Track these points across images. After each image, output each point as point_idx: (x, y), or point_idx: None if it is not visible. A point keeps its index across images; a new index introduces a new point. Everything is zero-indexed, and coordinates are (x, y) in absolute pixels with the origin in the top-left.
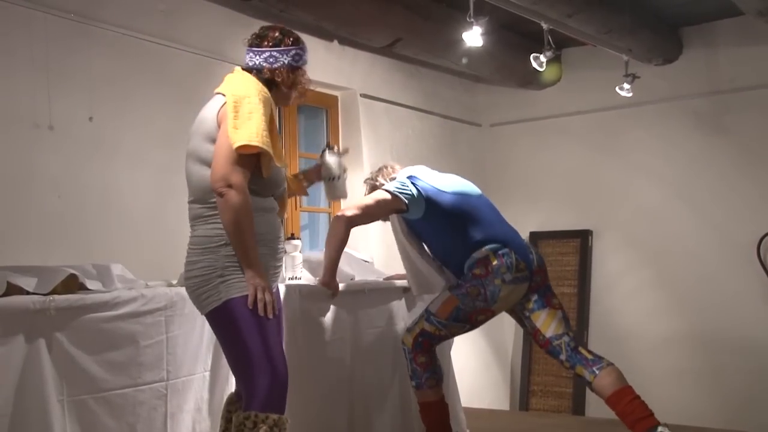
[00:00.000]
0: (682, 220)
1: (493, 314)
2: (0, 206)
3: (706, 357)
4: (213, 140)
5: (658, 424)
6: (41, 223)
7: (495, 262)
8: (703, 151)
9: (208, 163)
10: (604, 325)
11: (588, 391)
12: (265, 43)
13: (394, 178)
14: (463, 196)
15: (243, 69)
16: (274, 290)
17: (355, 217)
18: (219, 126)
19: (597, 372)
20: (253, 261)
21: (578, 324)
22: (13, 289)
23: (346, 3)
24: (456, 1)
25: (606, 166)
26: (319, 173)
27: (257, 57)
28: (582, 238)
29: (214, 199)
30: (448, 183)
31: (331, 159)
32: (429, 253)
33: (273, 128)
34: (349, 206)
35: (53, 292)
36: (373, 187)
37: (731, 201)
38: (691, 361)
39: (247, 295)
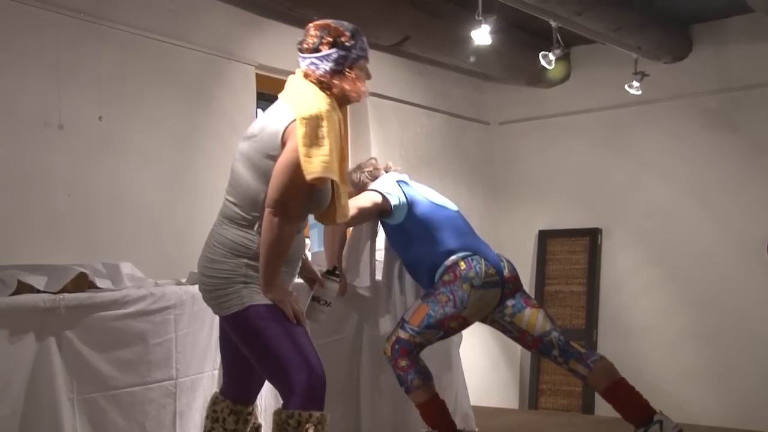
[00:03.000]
0: (692, 218)
1: (465, 321)
2: (11, 205)
3: (716, 355)
4: (272, 155)
5: (655, 412)
6: (51, 221)
7: (463, 267)
8: (712, 148)
9: (261, 175)
10: (614, 323)
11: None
12: (305, 46)
13: (375, 177)
14: (441, 207)
15: (313, 79)
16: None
17: (352, 219)
18: (283, 143)
19: (591, 365)
20: (273, 283)
21: (587, 322)
22: (23, 288)
23: (355, 1)
24: (464, 0)
25: (615, 164)
26: (314, 279)
27: (304, 62)
28: (591, 237)
29: (256, 213)
30: (429, 193)
31: (333, 286)
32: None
33: (342, 148)
34: None
35: (63, 290)
36: (357, 185)
37: (742, 198)
38: (701, 359)
39: (270, 304)
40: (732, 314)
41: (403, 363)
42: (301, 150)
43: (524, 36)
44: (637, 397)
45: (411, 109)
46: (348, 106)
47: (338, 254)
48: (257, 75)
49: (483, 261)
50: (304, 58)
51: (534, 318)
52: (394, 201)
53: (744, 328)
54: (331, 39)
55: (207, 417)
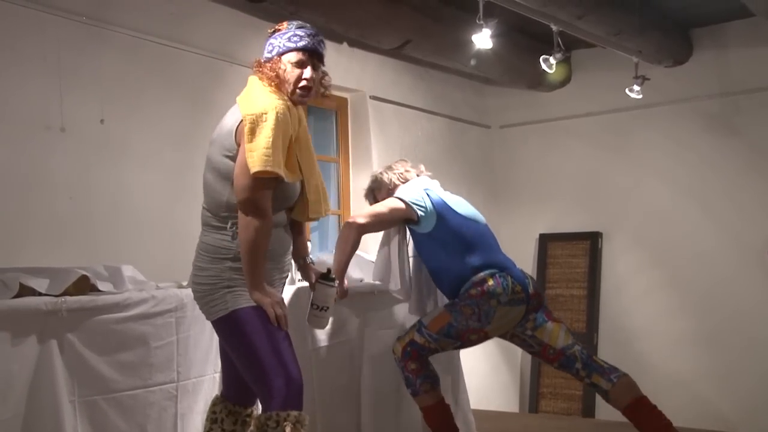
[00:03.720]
0: (692, 222)
1: (486, 336)
2: (12, 207)
3: (717, 359)
4: (230, 155)
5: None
6: (53, 224)
7: (491, 283)
8: (713, 152)
9: (223, 176)
10: (614, 327)
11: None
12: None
13: (406, 180)
14: (471, 221)
15: (256, 68)
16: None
17: (367, 225)
18: (238, 143)
19: (614, 380)
20: (258, 281)
21: (588, 326)
22: (25, 291)
23: (356, 5)
24: (465, 3)
25: (616, 168)
26: (312, 277)
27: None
28: (592, 240)
29: (225, 213)
30: (459, 204)
31: (329, 291)
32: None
33: (289, 142)
34: (361, 213)
35: (65, 293)
36: (382, 185)
37: (742, 202)
38: (702, 363)
39: (254, 306)
40: (732, 317)
41: (412, 366)
42: (246, 146)
43: (525, 40)
44: (659, 416)
45: (412, 113)
46: (349, 110)
47: (347, 259)
48: None
49: (510, 278)
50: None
51: (556, 332)
52: (420, 212)
53: (744, 331)
54: (272, 30)
55: (207, 418)
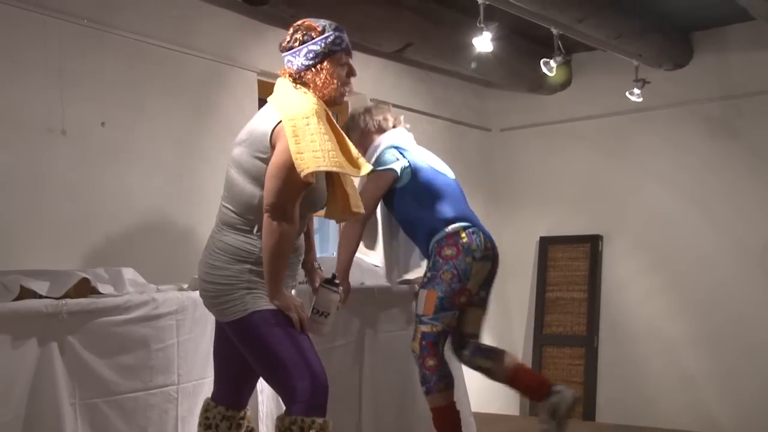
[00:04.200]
0: (693, 225)
1: (470, 293)
2: (13, 210)
3: (718, 362)
4: (263, 158)
5: (554, 385)
6: (54, 227)
7: (465, 240)
8: (714, 155)
9: (253, 178)
10: (615, 330)
11: (598, 396)
12: (283, 44)
13: (382, 130)
14: (442, 174)
15: (290, 77)
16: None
17: (367, 210)
18: (272, 146)
19: (495, 358)
20: (279, 287)
21: (588, 329)
22: (26, 293)
23: (357, 8)
24: (466, 7)
25: (616, 171)
26: (316, 282)
27: (291, 63)
28: (592, 243)
29: (251, 216)
30: (431, 158)
31: (331, 296)
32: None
33: (339, 140)
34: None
35: (66, 295)
36: (357, 127)
37: (743, 205)
38: (702, 366)
39: (273, 309)
40: (733, 320)
41: (431, 362)
42: (292, 149)
43: (525, 43)
44: (536, 377)
45: (413, 116)
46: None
47: (352, 255)
48: (259, 81)
49: (482, 234)
50: (283, 57)
51: (477, 320)
52: (397, 170)
53: (745, 334)
54: (302, 35)
55: (199, 424)
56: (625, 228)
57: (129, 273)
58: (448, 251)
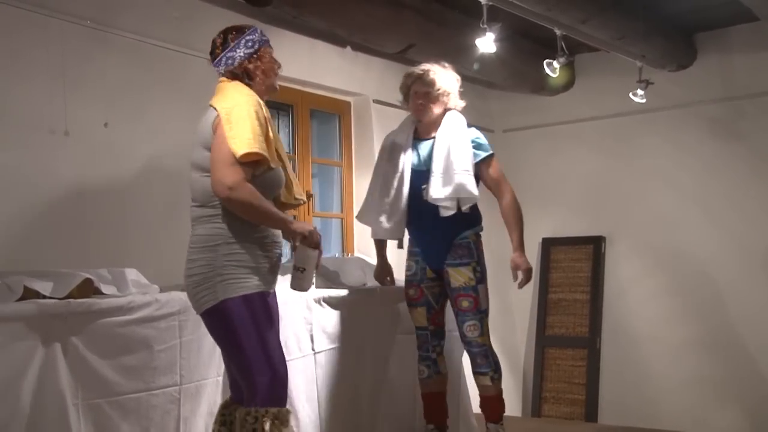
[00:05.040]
0: (696, 227)
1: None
2: (16, 211)
3: (722, 365)
4: (208, 148)
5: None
6: (57, 228)
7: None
8: (717, 157)
9: (205, 169)
10: (617, 331)
11: (600, 398)
12: (217, 50)
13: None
14: None
15: (226, 77)
16: (271, 295)
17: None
18: (214, 134)
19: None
20: (289, 220)
21: (591, 330)
22: (29, 293)
23: (359, 9)
24: (469, 8)
25: (619, 173)
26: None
27: (220, 65)
28: (595, 245)
29: (215, 202)
30: None
31: (308, 253)
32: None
33: (268, 129)
34: (505, 182)
35: (69, 296)
36: (450, 99)
37: (746, 207)
38: (706, 368)
39: (244, 296)
40: (736, 322)
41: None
42: (227, 134)
43: (528, 44)
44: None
45: None
46: (353, 114)
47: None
48: None
49: None
50: (219, 61)
51: None
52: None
53: (748, 336)
54: (235, 32)
55: (216, 421)
56: (628, 229)
57: (132, 274)
58: (482, 248)
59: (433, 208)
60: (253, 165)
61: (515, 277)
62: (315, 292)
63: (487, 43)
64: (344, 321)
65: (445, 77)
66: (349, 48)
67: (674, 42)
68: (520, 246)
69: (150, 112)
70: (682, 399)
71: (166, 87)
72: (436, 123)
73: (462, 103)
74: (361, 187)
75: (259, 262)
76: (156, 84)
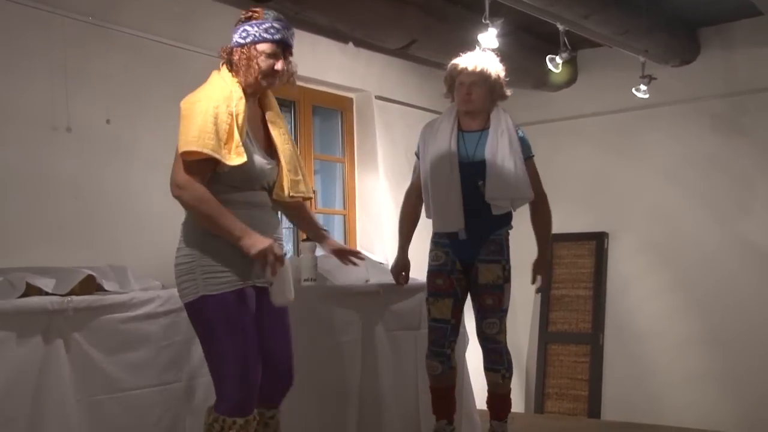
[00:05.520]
0: (699, 222)
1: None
2: (18, 208)
3: (725, 361)
4: None
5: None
6: (59, 224)
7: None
8: (720, 152)
9: None
10: (620, 327)
11: (603, 394)
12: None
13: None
14: None
15: (224, 53)
16: (253, 289)
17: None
18: None
19: None
20: (238, 234)
21: (594, 326)
22: (31, 290)
23: (361, 5)
24: (471, 3)
25: (622, 168)
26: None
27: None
28: (598, 241)
29: None
30: None
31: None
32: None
33: (232, 126)
34: (543, 192)
35: (71, 292)
36: (500, 95)
37: (750, 203)
38: (710, 364)
39: (223, 293)
40: (739, 318)
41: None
42: (179, 130)
43: (531, 39)
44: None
45: (417, 113)
46: (355, 110)
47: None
48: None
49: None
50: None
51: None
52: None
53: (751, 331)
54: (245, 16)
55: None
56: (631, 225)
57: (134, 270)
58: (509, 246)
59: (478, 202)
60: (208, 163)
61: (534, 281)
62: (316, 287)
63: (489, 39)
64: (346, 317)
65: (492, 66)
66: (351, 44)
67: (677, 37)
68: (546, 253)
69: (152, 109)
70: (685, 395)
71: (168, 83)
72: (481, 115)
73: (509, 93)
74: (363, 183)
75: (242, 256)
76: (158, 80)
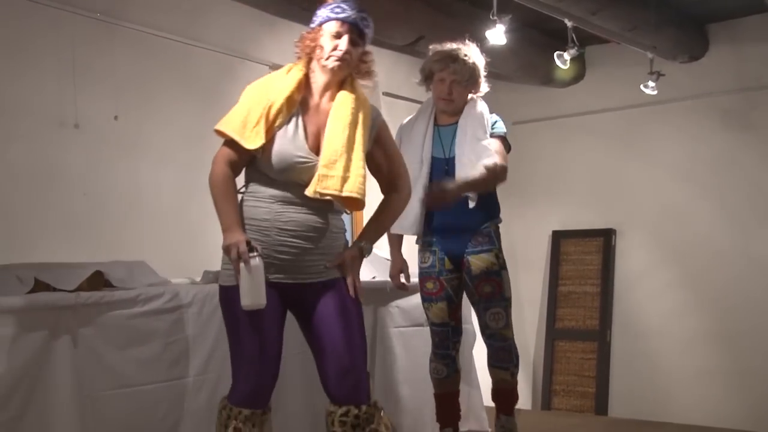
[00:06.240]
0: (707, 219)
1: None
2: (27, 204)
3: (733, 357)
4: None
5: None
6: (67, 220)
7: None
8: (729, 148)
9: None
10: (628, 324)
11: (611, 391)
12: None
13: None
14: None
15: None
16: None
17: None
18: None
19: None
20: (223, 226)
21: (601, 323)
22: (39, 286)
23: (368, 1)
24: None
25: (630, 165)
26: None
27: None
28: (605, 237)
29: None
30: None
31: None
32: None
33: (267, 113)
34: (499, 158)
35: (79, 288)
36: (477, 85)
37: (758, 199)
38: (717, 361)
39: (225, 287)
40: (747, 315)
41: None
42: None
43: (539, 36)
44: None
45: None
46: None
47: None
48: None
49: None
50: None
51: None
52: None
53: (759, 329)
54: (320, 2)
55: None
56: (639, 222)
57: (142, 266)
58: (500, 236)
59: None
60: (235, 146)
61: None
62: None
63: (497, 35)
64: None
65: (476, 63)
66: None
67: (686, 33)
68: (466, 185)
69: (160, 105)
70: (692, 391)
71: (176, 80)
72: (458, 108)
73: (486, 88)
74: (370, 180)
75: (271, 249)
76: (166, 77)
